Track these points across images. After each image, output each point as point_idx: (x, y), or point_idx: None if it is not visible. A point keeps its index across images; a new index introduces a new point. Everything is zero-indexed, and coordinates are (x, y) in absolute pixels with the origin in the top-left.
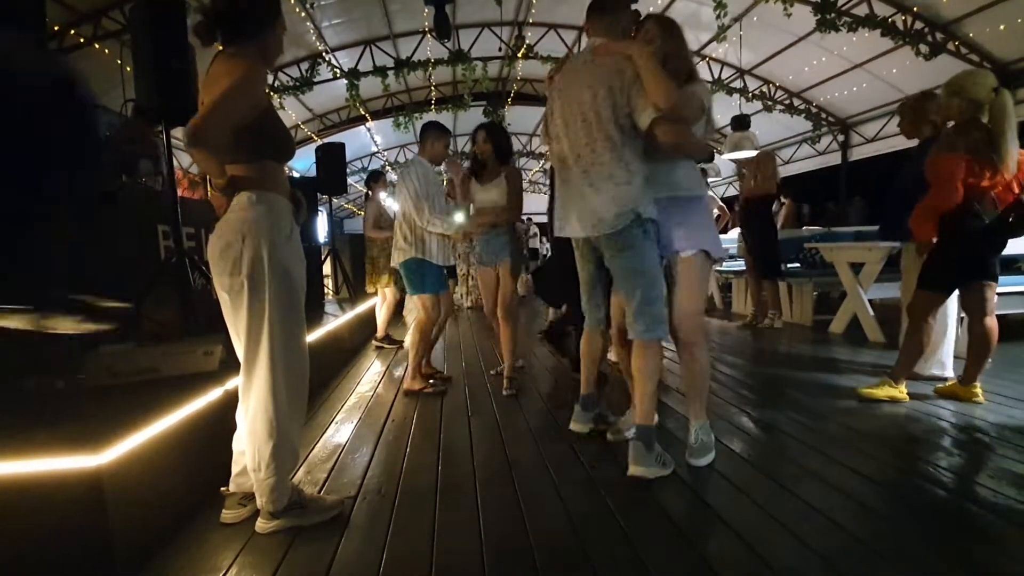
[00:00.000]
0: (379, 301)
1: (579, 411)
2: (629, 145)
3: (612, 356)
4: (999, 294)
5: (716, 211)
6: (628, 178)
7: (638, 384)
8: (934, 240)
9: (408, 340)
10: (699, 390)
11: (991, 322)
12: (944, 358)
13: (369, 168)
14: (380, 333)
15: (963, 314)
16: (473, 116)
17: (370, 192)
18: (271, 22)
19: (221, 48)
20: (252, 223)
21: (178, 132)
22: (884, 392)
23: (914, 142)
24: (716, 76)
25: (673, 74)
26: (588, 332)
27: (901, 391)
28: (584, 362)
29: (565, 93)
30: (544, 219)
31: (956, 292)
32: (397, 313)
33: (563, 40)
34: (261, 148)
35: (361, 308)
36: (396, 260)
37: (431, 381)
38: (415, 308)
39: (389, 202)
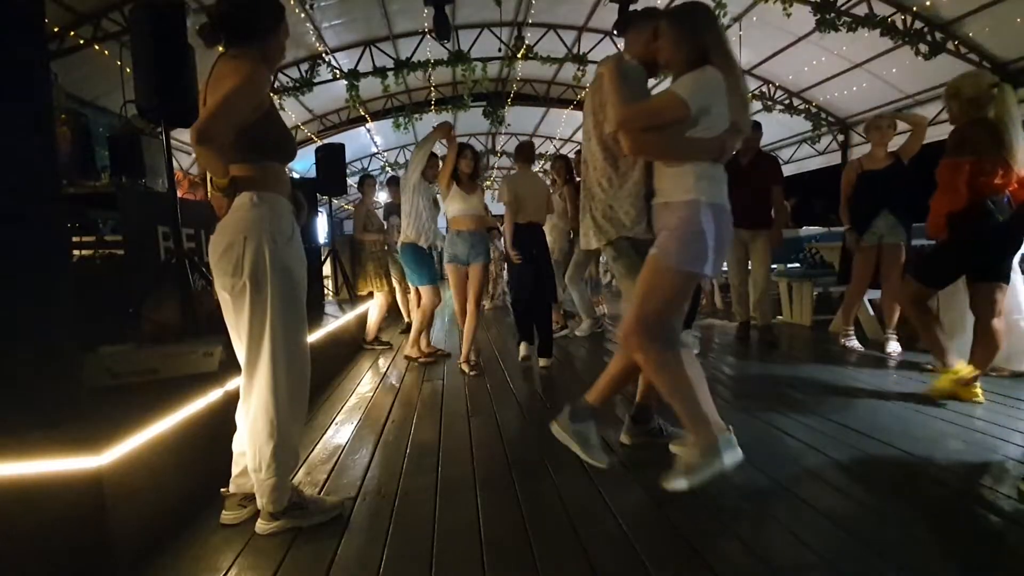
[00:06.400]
0: (372, 303)
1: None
2: (611, 162)
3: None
4: None
5: None
6: (607, 197)
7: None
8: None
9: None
10: (669, 401)
11: (998, 324)
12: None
13: (368, 169)
14: (370, 336)
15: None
16: (473, 117)
17: (361, 195)
18: (274, 27)
19: (224, 50)
20: (254, 223)
21: (177, 133)
22: (948, 383)
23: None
24: None
25: (667, 68)
26: None
27: (961, 371)
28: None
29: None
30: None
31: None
32: (389, 314)
33: (563, 40)
34: (263, 149)
35: (361, 309)
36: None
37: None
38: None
39: (382, 196)
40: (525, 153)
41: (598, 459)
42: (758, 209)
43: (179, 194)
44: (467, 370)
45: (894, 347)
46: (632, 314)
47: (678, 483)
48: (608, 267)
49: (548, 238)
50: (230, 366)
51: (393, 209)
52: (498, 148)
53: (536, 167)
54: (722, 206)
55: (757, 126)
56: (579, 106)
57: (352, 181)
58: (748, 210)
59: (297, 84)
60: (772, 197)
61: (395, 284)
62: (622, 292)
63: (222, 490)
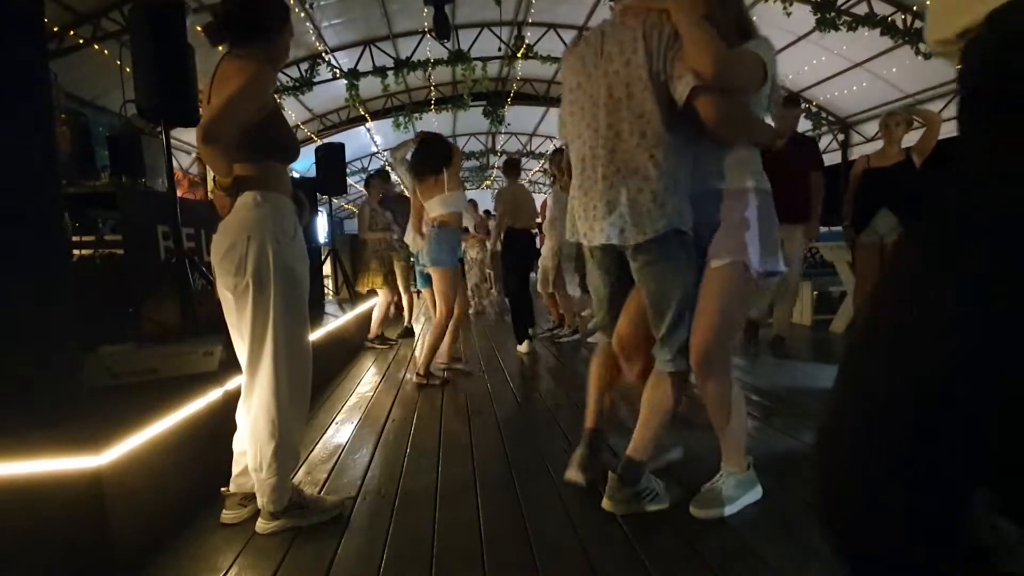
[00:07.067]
0: (380, 301)
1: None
2: (671, 127)
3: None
4: None
5: None
6: (662, 174)
7: (642, 412)
8: None
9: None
10: (720, 430)
11: None
12: None
13: (369, 168)
14: (372, 333)
15: None
16: (473, 116)
17: (367, 194)
18: (280, 27)
19: (229, 50)
20: (257, 223)
21: (177, 133)
22: None
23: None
24: None
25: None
26: (600, 350)
27: None
28: (592, 388)
29: (587, 72)
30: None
31: None
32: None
33: (563, 40)
34: (266, 149)
35: (361, 308)
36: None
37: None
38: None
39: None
40: (515, 168)
41: (670, 499)
42: (797, 199)
43: (179, 194)
44: (465, 364)
45: None
46: (710, 336)
47: (713, 512)
48: None
49: (551, 242)
50: (230, 366)
51: (387, 205)
52: (498, 148)
53: (536, 167)
54: (770, 192)
55: (796, 102)
56: None
57: (352, 181)
58: (786, 201)
59: (297, 83)
60: (811, 185)
61: (399, 286)
62: (626, 303)
63: (222, 489)
